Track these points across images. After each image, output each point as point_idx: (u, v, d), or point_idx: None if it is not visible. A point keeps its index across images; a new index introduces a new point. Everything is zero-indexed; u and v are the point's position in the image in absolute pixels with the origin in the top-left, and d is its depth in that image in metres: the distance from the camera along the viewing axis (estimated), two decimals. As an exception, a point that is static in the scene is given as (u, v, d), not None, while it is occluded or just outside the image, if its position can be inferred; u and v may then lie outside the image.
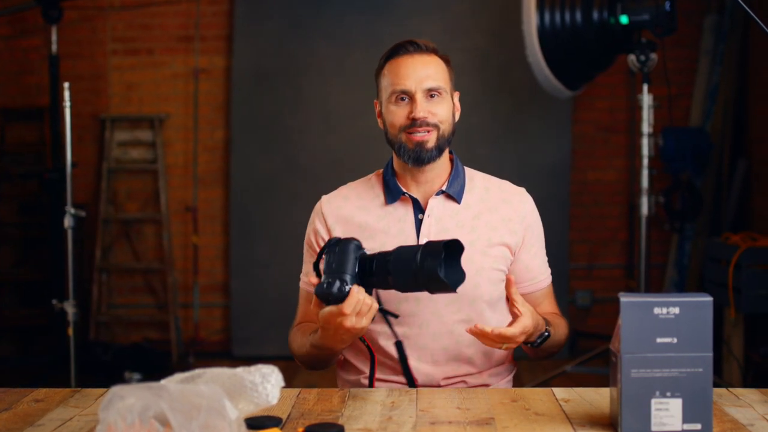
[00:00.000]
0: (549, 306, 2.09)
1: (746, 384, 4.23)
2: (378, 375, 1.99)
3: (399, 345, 1.92)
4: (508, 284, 1.83)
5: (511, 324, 1.80)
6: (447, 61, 2.01)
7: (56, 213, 4.77)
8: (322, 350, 1.87)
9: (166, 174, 5.58)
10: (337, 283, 1.69)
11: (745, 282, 4.10)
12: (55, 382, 4.50)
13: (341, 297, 1.69)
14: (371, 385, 1.95)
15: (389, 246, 1.95)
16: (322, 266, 1.75)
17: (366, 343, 1.92)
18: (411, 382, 1.95)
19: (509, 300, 1.84)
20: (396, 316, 1.86)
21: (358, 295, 1.69)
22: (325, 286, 1.70)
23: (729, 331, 4.32)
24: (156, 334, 5.58)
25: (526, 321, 1.80)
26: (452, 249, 1.73)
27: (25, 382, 4.65)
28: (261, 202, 5.45)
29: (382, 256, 1.73)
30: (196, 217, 5.56)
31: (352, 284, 1.70)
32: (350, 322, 1.70)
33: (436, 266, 1.66)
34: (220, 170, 5.61)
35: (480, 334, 1.78)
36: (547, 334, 1.92)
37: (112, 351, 5.07)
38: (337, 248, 1.73)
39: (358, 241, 1.75)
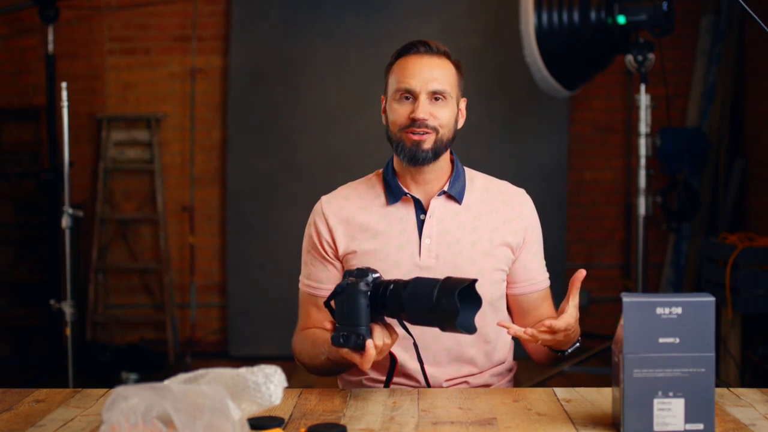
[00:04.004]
0: (549, 309, 2.06)
1: (744, 384, 4.24)
2: (377, 376, 1.99)
3: (416, 346, 1.89)
4: (575, 280, 1.76)
5: (558, 317, 1.77)
6: (458, 67, 2.00)
7: (53, 213, 4.78)
8: (341, 365, 1.88)
9: (163, 174, 5.58)
10: (353, 338, 1.68)
11: (743, 282, 4.10)
12: (52, 383, 4.50)
13: (359, 348, 1.69)
14: (387, 386, 1.95)
15: (391, 246, 1.95)
16: (334, 306, 1.72)
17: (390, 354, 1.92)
18: (427, 383, 1.95)
19: (568, 292, 1.78)
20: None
21: (373, 350, 1.68)
22: (341, 340, 1.69)
23: (726, 331, 4.33)
24: (153, 334, 5.58)
25: (570, 319, 1.77)
26: (467, 287, 1.68)
27: (22, 382, 4.64)
28: (258, 202, 5.45)
29: (397, 289, 1.68)
30: (193, 217, 5.55)
31: (367, 336, 1.68)
32: (371, 365, 1.71)
33: (454, 311, 1.61)
34: (216, 170, 5.60)
35: (522, 335, 1.74)
36: (578, 344, 1.92)
37: (109, 351, 5.06)
38: (347, 296, 1.69)
39: (366, 273, 1.70)
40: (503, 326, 1.77)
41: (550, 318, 1.78)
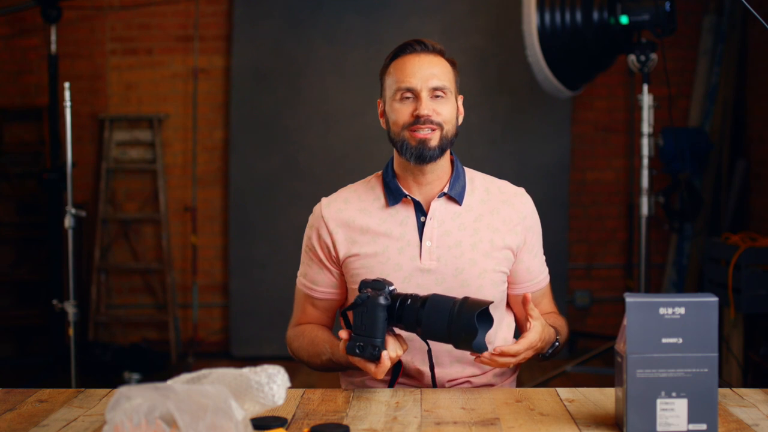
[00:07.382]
0: (548, 305, 2.11)
1: (746, 384, 4.24)
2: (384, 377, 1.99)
3: (429, 354, 1.90)
4: (525, 302, 1.83)
5: (518, 340, 1.81)
6: (453, 64, 2.00)
7: (55, 213, 4.78)
8: (344, 367, 1.92)
9: (165, 174, 5.58)
10: (369, 348, 1.72)
11: (745, 282, 4.10)
12: (54, 383, 4.51)
13: (375, 359, 1.73)
14: (391, 386, 1.96)
15: (391, 249, 1.95)
16: (351, 318, 1.76)
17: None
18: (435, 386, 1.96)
19: (526, 314, 1.83)
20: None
21: (388, 362, 1.72)
22: (357, 350, 1.73)
23: (729, 331, 4.32)
24: (155, 334, 5.58)
25: (533, 336, 1.81)
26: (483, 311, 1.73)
27: (24, 382, 4.64)
28: (260, 202, 5.45)
29: (414, 305, 1.73)
30: (195, 217, 5.55)
31: (383, 348, 1.72)
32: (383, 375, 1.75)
33: (473, 332, 1.67)
34: (219, 170, 5.60)
35: (488, 361, 1.78)
36: (557, 344, 1.93)
37: (111, 351, 5.06)
38: (366, 308, 1.72)
39: (383, 286, 1.74)
40: (481, 362, 1.79)
41: (509, 345, 1.80)
